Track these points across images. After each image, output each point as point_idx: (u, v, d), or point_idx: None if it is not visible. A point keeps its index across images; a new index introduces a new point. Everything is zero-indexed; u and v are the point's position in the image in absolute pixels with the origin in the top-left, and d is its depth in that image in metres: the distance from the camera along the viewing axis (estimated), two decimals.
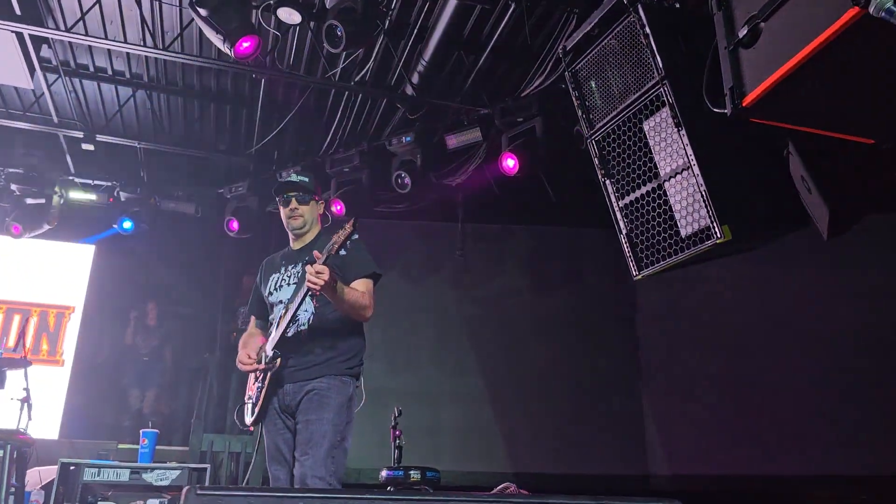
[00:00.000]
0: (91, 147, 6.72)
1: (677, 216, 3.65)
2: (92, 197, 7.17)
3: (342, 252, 2.93)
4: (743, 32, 2.85)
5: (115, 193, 7.13)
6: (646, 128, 3.75)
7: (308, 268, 2.88)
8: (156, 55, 5.95)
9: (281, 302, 3.29)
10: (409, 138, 6.05)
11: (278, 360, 3.11)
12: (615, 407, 7.33)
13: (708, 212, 3.44)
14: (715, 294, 7.33)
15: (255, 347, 3.31)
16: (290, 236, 3.55)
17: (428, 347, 7.50)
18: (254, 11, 5.25)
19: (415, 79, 5.87)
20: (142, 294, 7.81)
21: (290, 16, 5.01)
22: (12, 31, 5.42)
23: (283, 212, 3.45)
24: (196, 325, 7.91)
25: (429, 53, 5.61)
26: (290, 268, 3.41)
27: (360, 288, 3.23)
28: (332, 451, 2.98)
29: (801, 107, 2.85)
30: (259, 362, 3.21)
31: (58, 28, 5.79)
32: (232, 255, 7.92)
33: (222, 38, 4.17)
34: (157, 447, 6.03)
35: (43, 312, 7.36)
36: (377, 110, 6.42)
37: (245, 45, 4.24)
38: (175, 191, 7.29)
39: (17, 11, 5.23)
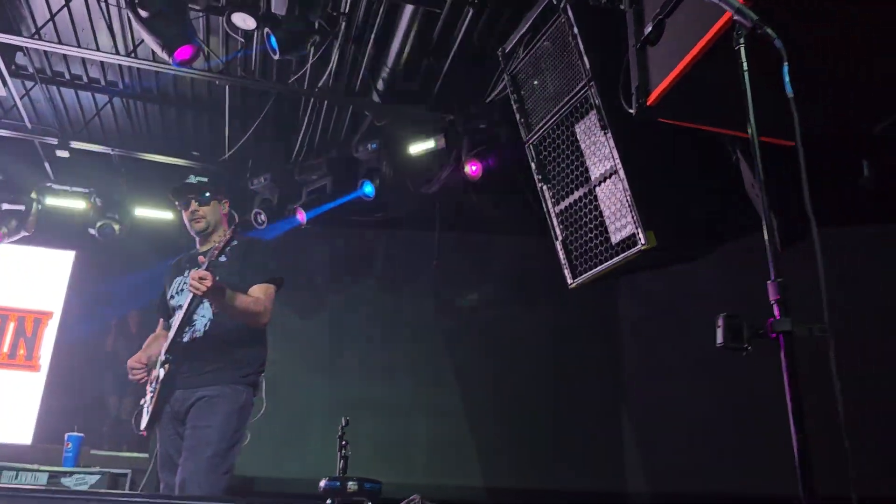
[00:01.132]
0: (66, 154, 6.74)
1: (607, 222, 3.54)
2: (70, 203, 7.20)
3: (222, 258, 2.88)
4: (648, 29, 2.74)
5: (93, 200, 7.13)
6: (577, 131, 3.65)
7: (192, 272, 2.82)
8: (120, 62, 5.99)
9: (180, 306, 3.23)
10: (374, 145, 5.98)
11: (166, 366, 3.04)
12: (595, 421, 7.15)
13: (633, 218, 3.31)
14: (700, 306, 7.14)
15: (157, 350, 3.26)
16: (197, 239, 3.48)
17: (404, 359, 7.38)
18: (220, 17, 5.27)
19: (380, 85, 5.82)
20: (123, 302, 7.80)
21: (244, 21, 4.98)
22: None
23: (184, 215, 3.40)
24: None
25: (391, 60, 5.56)
26: (191, 271, 3.35)
27: (258, 293, 3.16)
28: (215, 458, 2.91)
29: (704, 105, 2.72)
30: (154, 367, 3.14)
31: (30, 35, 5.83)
32: None
33: (160, 45, 4.15)
34: (123, 453, 6.02)
35: (21, 318, 7.39)
36: (345, 118, 6.37)
37: (184, 52, 4.21)
38: (152, 198, 7.28)
39: None
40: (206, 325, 3.15)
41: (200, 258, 2.87)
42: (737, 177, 3.66)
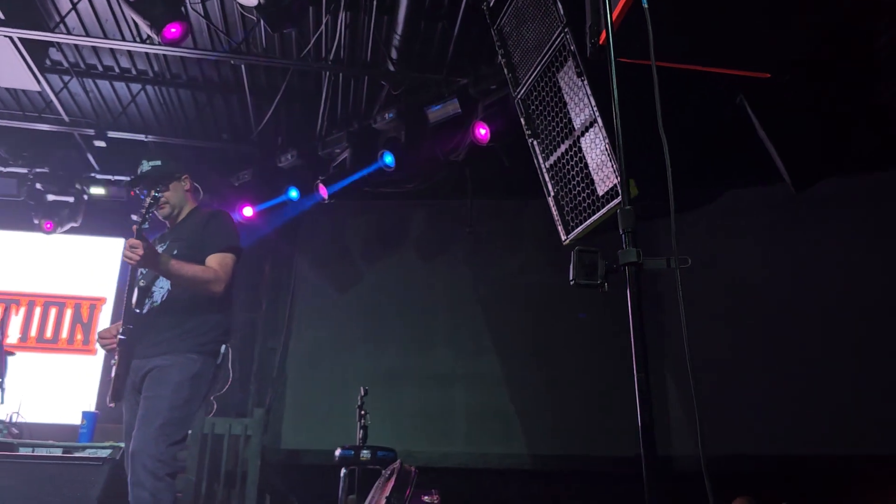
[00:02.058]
0: (103, 144, 6.97)
1: (593, 174, 3.40)
2: (113, 192, 7.45)
3: (145, 226, 2.92)
4: None
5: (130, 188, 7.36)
6: (560, 81, 3.50)
7: (126, 242, 2.87)
8: (146, 50, 6.12)
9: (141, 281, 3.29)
10: (391, 115, 5.93)
11: (118, 337, 3.11)
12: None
13: (613, 167, 3.17)
14: (745, 262, 6.86)
15: None
16: (167, 223, 3.53)
17: (442, 328, 7.36)
18: None
19: (393, 53, 5.76)
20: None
21: None
22: (5, 36, 5.68)
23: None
24: None
25: (400, 26, 5.49)
26: (160, 247, 3.39)
27: (212, 263, 3.16)
28: (166, 427, 2.94)
29: (662, 41, 2.55)
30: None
31: (51, 29, 6.02)
32: (253, 243, 8.07)
33: (148, 24, 4.20)
34: None
35: (77, 304, 7.74)
36: (362, 89, 6.34)
37: (172, 30, 4.25)
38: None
39: (1, 16, 5.46)
40: (163, 295, 3.20)
41: (135, 227, 2.92)
42: (738, 122, 3.46)
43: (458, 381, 7.14)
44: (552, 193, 3.73)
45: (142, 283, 3.19)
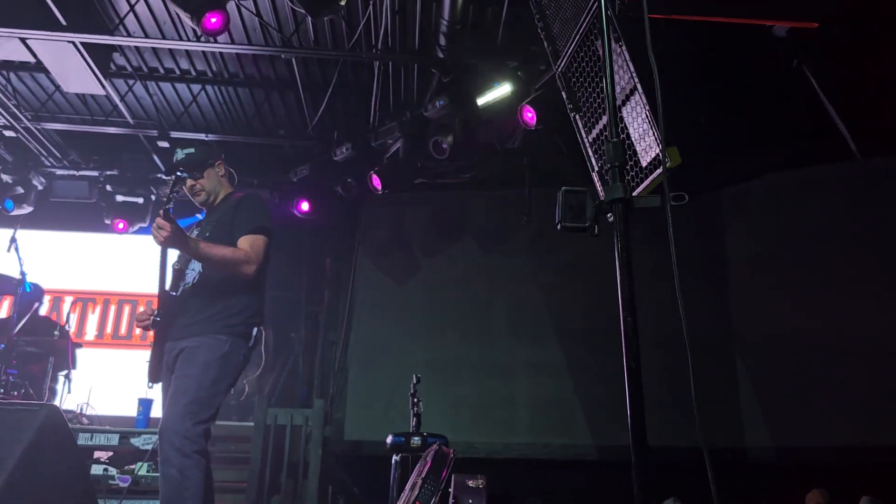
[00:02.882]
0: (166, 144, 7.16)
1: (636, 144, 3.26)
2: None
3: (169, 207, 2.93)
4: None
5: None
6: (599, 50, 3.37)
7: (155, 222, 2.90)
8: (203, 48, 6.26)
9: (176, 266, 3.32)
10: (441, 102, 5.87)
11: (151, 318, 3.15)
12: (708, 373, 6.69)
13: (655, 135, 3.03)
14: (816, 243, 6.50)
15: None
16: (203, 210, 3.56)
17: (503, 318, 7.26)
18: None
19: (441, 40, 5.70)
20: None
21: None
22: (68, 42, 5.88)
23: (185, 191, 3.47)
24: (288, 307, 8.21)
25: (446, 12, 5.42)
26: (195, 231, 3.43)
27: (243, 244, 3.17)
28: (192, 405, 2.96)
29: None
30: None
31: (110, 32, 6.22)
32: (315, 237, 8.18)
33: (189, 15, 4.26)
34: (233, 422, 6.37)
35: (148, 302, 7.99)
36: (413, 78, 6.32)
37: (213, 20, 4.30)
38: (250, 178, 7.59)
39: (63, 22, 5.66)
40: (195, 278, 3.23)
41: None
42: (794, 84, 3.26)
43: (519, 370, 7.04)
44: (596, 169, 3.60)
45: (176, 267, 3.23)
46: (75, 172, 7.74)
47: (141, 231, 7.86)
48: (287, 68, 6.84)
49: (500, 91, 5.63)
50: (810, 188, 6.31)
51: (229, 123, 7.55)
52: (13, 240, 4.90)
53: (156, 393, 3.52)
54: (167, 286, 3.21)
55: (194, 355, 3.08)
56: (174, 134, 7.22)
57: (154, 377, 3.24)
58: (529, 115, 5.23)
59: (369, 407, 7.16)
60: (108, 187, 7.53)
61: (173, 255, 3.22)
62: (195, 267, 3.24)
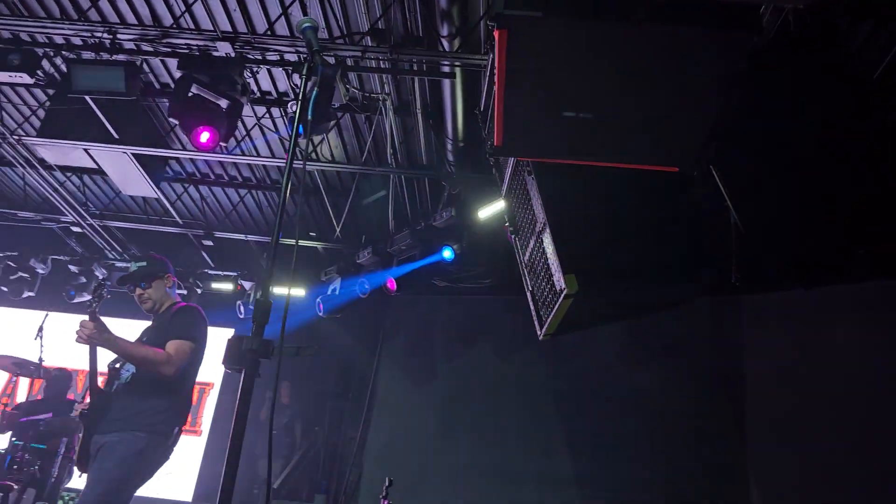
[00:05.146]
0: (210, 243, 7.77)
1: (552, 269, 3.44)
2: (225, 286, 8.22)
3: (95, 308, 3.28)
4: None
5: (238, 282, 8.10)
6: (527, 180, 3.62)
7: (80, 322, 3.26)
8: (249, 161, 6.91)
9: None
10: (449, 213, 6.20)
11: (80, 411, 3.46)
12: (720, 487, 6.46)
13: (556, 263, 3.21)
14: (837, 364, 6.30)
15: None
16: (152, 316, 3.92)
17: (515, 425, 7.29)
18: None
19: (449, 157, 6.09)
20: (273, 374, 8.61)
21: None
22: (122, 152, 6.61)
23: (135, 298, 3.86)
24: (316, 400, 8.51)
25: (450, 131, 5.82)
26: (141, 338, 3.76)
27: (170, 348, 3.47)
28: (105, 496, 3.19)
29: (548, 140, 2.61)
30: None
31: (167, 146, 6.94)
32: (346, 334, 8.52)
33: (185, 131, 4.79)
34: None
35: None
36: (425, 189, 6.72)
37: (205, 135, 4.77)
38: (285, 277, 8.06)
39: (116, 136, 6.38)
40: (127, 378, 3.54)
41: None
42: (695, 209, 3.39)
43: (528, 479, 7.00)
44: (530, 289, 3.78)
45: (117, 365, 3.58)
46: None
47: None
48: (323, 177, 7.38)
49: (497, 206, 5.91)
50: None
51: (266, 224, 8.11)
52: (41, 328, 5.44)
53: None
54: (99, 383, 3.55)
55: (114, 450, 3.35)
56: (218, 234, 7.83)
57: (82, 466, 3.54)
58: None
59: None
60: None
61: (106, 354, 3.55)
62: (130, 368, 3.57)
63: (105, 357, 3.55)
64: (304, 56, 4.63)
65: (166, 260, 3.98)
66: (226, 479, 1.82)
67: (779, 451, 6.34)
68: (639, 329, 7.15)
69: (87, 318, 3.31)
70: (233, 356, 2.04)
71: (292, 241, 7.63)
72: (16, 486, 5.27)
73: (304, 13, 5.30)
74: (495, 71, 2.35)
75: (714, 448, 6.58)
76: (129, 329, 3.77)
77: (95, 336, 3.29)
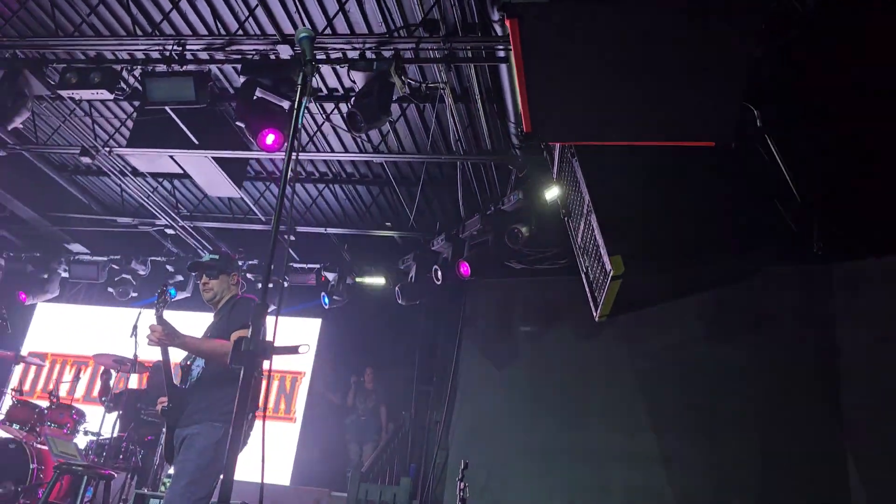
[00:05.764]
0: (293, 238, 8.06)
1: (601, 251, 3.42)
2: (307, 278, 8.52)
3: (160, 313, 3.47)
4: None
5: (319, 273, 8.38)
6: (573, 162, 3.60)
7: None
8: (325, 157, 7.14)
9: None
10: (516, 196, 6.21)
11: (161, 408, 3.67)
12: (815, 468, 6.22)
13: (602, 245, 3.20)
14: None
15: None
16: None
17: (598, 405, 7.23)
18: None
19: (514, 140, 6.09)
20: (360, 360, 8.89)
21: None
22: (203, 157, 6.93)
23: (199, 286, 4.06)
24: (401, 385, 8.71)
25: (511, 115, 5.82)
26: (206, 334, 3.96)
27: (234, 338, 3.63)
28: (190, 486, 3.38)
29: (577, 124, 2.59)
30: None
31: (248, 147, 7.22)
32: (429, 320, 8.70)
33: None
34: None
35: (282, 377, 8.85)
36: (492, 174, 6.75)
37: (270, 138, 4.96)
38: (369, 268, 8.29)
39: (195, 141, 6.70)
40: (199, 373, 3.73)
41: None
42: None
43: (612, 458, 6.95)
44: (584, 271, 3.77)
45: (188, 363, 3.79)
46: None
47: (271, 313, 8.75)
48: (396, 168, 7.51)
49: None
50: None
51: (345, 217, 8.34)
52: (135, 327, 5.81)
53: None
54: (176, 380, 3.77)
55: (193, 442, 3.57)
56: (300, 229, 8.11)
57: (169, 460, 3.78)
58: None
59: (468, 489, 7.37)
60: (249, 275, 8.53)
61: (177, 353, 3.78)
62: (200, 363, 3.77)
63: (176, 356, 3.77)
64: (369, 48, 4.74)
65: (237, 260, 4.19)
66: (227, 467, 1.94)
67: (878, 429, 6.05)
68: (724, 304, 6.95)
69: (154, 323, 3.53)
70: (234, 356, 2.18)
71: (375, 232, 7.84)
72: (118, 475, 5.68)
73: (361, 9, 5.42)
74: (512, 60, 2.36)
75: (808, 427, 6.33)
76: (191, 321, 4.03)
77: (166, 337, 3.51)
